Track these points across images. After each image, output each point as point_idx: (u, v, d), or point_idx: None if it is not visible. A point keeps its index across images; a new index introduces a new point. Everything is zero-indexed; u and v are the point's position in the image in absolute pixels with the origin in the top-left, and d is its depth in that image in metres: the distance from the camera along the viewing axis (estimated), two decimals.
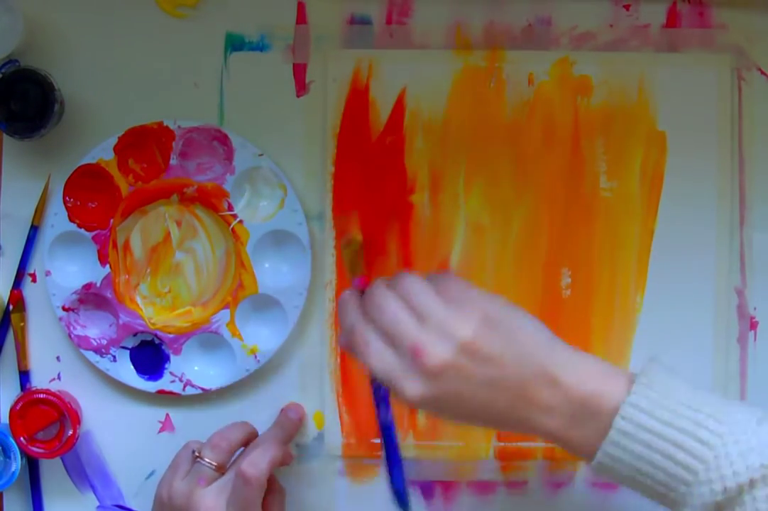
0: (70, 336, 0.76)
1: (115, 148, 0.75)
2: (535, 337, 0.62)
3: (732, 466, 0.57)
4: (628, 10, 0.76)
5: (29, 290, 0.77)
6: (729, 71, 0.76)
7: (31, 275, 0.77)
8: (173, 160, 0.75)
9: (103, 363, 0.76)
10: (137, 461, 0.75)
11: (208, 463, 0.70)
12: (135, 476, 0.76)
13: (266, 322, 0.76)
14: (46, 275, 0.75)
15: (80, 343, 0.76)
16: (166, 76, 0.76)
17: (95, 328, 0.76)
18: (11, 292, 0.76)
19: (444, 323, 0.60)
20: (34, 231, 0.76)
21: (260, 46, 0.76)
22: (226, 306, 0.75)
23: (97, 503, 0.76)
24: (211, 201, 0.75)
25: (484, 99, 0.76)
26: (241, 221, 0.75)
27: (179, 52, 0.76)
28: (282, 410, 0.76)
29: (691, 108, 0.76)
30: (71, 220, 0.75)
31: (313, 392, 0.76)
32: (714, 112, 0.76)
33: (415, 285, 0.62)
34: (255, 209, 0.76)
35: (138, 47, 0.76)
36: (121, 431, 0.77)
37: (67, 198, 0.75)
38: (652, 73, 0.76)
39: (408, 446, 0.76)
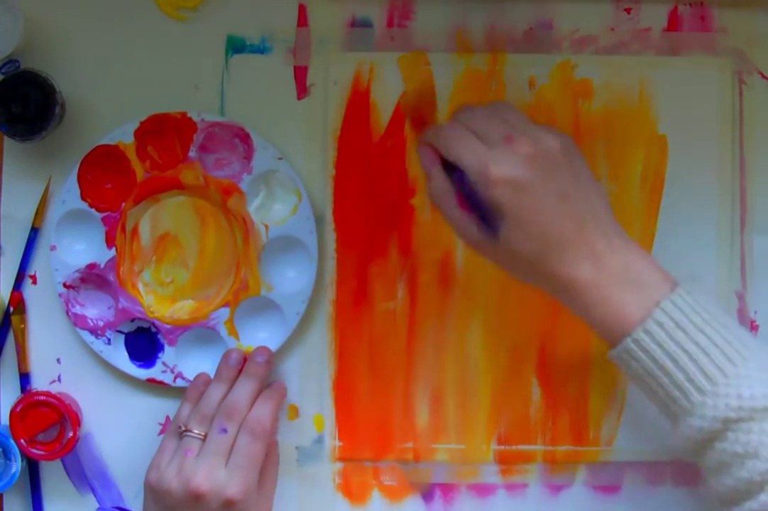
0: (67, 313, 0.75)
1: (136, 133, 0.74)
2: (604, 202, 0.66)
3: (752, 388, 0.59)
4: (629, 13, 0.76)
5: (30, 291, 0.77)
6: (730, 75, 0.76)
7: (31, 276, 0.77)
8: (192, 153, 0.75)
9: (98, 345, 0.75)
10: (137, 463, 0.75)
11: (197, 434, 0.70)
12: (135, 478, 0.76)
13: (265, 325, 0.76)
14: (51, 250, 0.75)
15: (77, 321, 0.75)
16: (167, 78, 0.76)
17: (94, 308, 0.76)
18: (12, 294, 0.76)
19: (534, 132, 0.65)
20: (34, 233, 0.76)
21: (261, 49, 0.76)
22: (227, 304, 0.75)
23: (97, 505, 0.76)
24: (225, 198, 0.75)
25: (485, 102, 0.76)
26: (253, 222, 0.75)
27: (180, 54, 0.76)
28: (249, 356, 0.74)
29: (692, 111, 0.76)
30: (83, 198, 0.75)
31: (313, 395, 0.76)
32: (715, 116, 0.76)
33: (504, 106, 0.68)
34: (268, 212, 0.76)
35: (139, 49, 0.76)
36: (122, 433, 0.77)
37: (82, 176, 0.75)
38: (653, 76, 0.76)
39: (408, 449, 0.76)
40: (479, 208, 0.65)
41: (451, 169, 0.67)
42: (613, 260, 0.63)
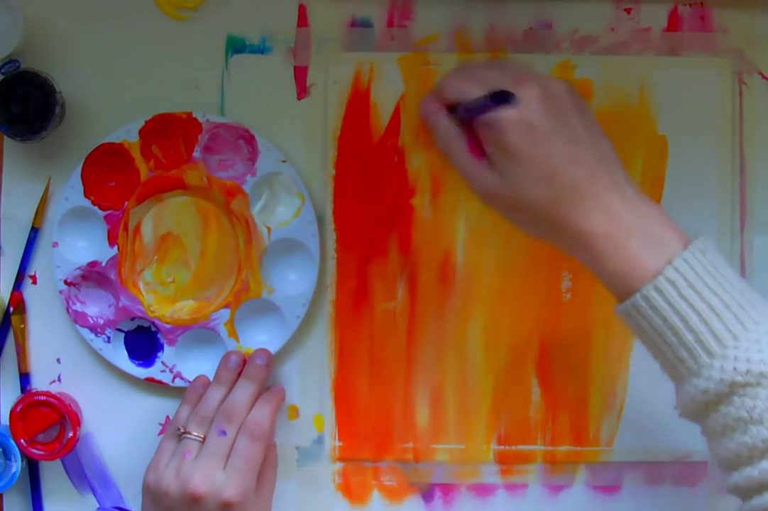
0: (68, 310, 0.75)
1: (141, 132, 0.74)
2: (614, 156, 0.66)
3: (761, 353, 0.58)
4: (629, 13, 0.76)
5: (30, 291, 0.77)
6: (730, 75, 0.76)
7: (31, 276, 0.77)
8: (196, 153, 0.75)
9: (97, 342, 0.75)
10: (137, 463, 0.75)
11: (195, 436, 0.70)
12: (135, 478, 0.75)
13: (265, 327, 0.76)
14: (53, 247, 0.75)
15: (77, 318, 0.75)
16: (167, 78, 0.76)
17: (94, 306, 0.76)
18: (12, 294, 0.76)
19: (539, 77, 0.65)
20: (34, 233, 0.76)
21: (261, 49, 0.76)
22: (227, 305, 0.75)
23: (97, 505, 0.76)
24: (228, 199, 0.75)
25: None
26: (256, 224, 0.75)
27: (180, 54, 0.76)
28: (249, 359, 0.74)
29: (691, 112, 0.76)
30: (86, 196, 0.75)
31: (313, 395, 0.76)
32: (715, 116, 0.76)
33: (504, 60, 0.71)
34: (270, 214, 0.76)
35: (139, 49, 0.76)
36: (122, 433, 0.77)
37: (86, 173, 0.75)
38: (653, 76, 0.76)
39: (408, 449, 0.76)
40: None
41: (457, 116, 0.66)
42: (626, 211, 0.62)
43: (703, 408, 0.60)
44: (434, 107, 0.68)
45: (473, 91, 0.65)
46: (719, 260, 0.62)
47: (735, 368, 0.58)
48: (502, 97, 0.60)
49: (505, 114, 0.62)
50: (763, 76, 0.76)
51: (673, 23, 0.76)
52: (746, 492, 0.59)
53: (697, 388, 0.60)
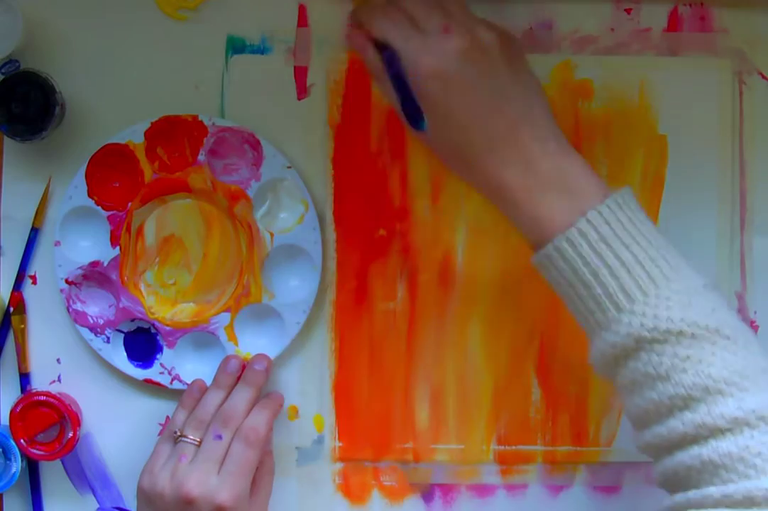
0: (68, 309, 0.75)
1: (146, 133, 0.74)
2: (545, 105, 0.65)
3: (669, 310, 0.58)
4: (629, 14, 0.76)
5: (30, 291, 0.77)
6: (730, 75, 0.76)
7: (31, 276, 0.77)
8: (201, 156, 0.75)
9: (96, 342, 0.75)
10: (137, 464, 0.74)
11: (192, 440, 0.70)
12: (135, 479, 0.75)
13: (265, 332, 0.75)
14: (55, 245, 0.75)
15: (77, 318, 0.75)
16: (167, 79, 0.76)
17: (95, 306, 0.76)
18: (12, 294, 0.76)
19: (473, 25, 0.63)
20: (34, 233, 0.76)
21: (261, 49, 0.76)
22: (228, 310, 0.75)
23: (97, 506, 0.76)
24: (232, 204, 0.75)
25: None
26: (258, 229, 0.75)
27: (180, 54, 0.76)
28: (248, 364, 0.74)
29: (692, 112, 0.76)
30: (90, 195, 0.75)
31: (313, 395, 0.76)
32: (715, 116, 0.76)
33: None
34: (274, 219, 0.75)
35: (139, 49, 0.76)
36: (122, 433, 0.77)
37: (90, 173, 0.75)
38: (653, 77, 0.76)
39: (407, 449, 0.76)
40: (405, 91, 0.63)
41: (382, 47, 0.65)
42: (546, 164, 0.62)
43: (613, 363, 0.61)
44: (360, 40, 0.66)
45: (400, 35, 0.63)
46: (638, 215, 0.62)
47: (642, 324, 0.58)
48: (390, 56, 0.61)
49: (425, 65, 0.62)
50: (763, 76, 0.76)
51: (673, 23, 0.76)
52: (657, 451, 0.59)
53: (606, 341, 0.60)
